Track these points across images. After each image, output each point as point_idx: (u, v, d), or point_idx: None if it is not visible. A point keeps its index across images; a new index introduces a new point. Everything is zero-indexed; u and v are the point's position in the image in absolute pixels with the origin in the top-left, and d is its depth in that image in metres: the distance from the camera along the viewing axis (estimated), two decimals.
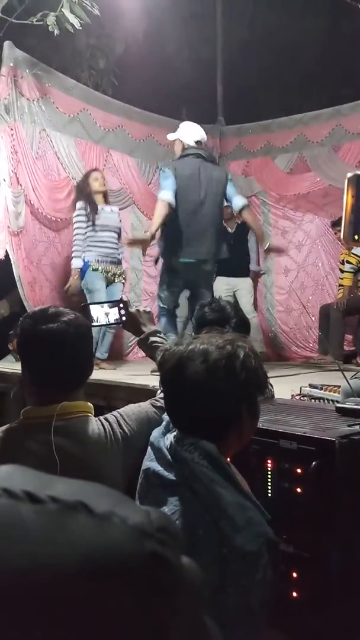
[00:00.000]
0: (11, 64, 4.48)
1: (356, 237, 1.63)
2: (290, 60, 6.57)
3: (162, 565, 0.32)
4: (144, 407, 1.58)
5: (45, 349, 1.37)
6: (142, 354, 4.74)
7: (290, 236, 6.02)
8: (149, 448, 1.24)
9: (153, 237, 3.69)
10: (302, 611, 1.46)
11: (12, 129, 4.54)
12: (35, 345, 1.40)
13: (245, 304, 5.20)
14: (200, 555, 0.96)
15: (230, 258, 4.14)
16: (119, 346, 5.34)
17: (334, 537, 1.44)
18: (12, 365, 3.84)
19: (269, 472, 1.58)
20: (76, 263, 4.37)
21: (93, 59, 6.10)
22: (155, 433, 1.25)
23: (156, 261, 4.17)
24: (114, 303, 1.85)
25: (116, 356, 5.09)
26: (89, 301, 4.31)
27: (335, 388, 2.36)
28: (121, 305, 1.82)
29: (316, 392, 2.45)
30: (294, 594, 1.48)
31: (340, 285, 5.28)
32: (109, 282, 4.43)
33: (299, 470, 1.51)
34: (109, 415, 1.50)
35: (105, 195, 4.59)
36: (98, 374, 3.45)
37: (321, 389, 2.46)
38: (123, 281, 4.62)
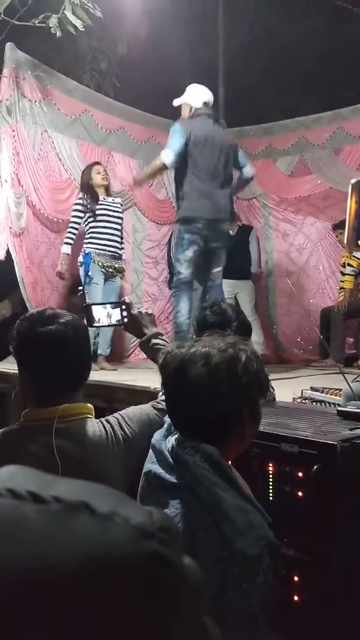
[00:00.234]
0: (13, 66, 4.48)
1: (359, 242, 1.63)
2: (292, 63, 6.58)
3: (163, 565, 0.32)
4: (145, 409, 1.57)
5: (44, 352, 1.37)
6: (143, 355, 4.76)
7: (291, 239, 6.03)
8: (150, 450, 1.24)
9: (140, 183, 3.82)
10: (303, 615, 1.45)
11: (14, 130, 4.55)
12: (33, 348, 1.39)
13: (246, 307, 5.21)
14: (202, 558, 0.96)
15: (231, 260, 4.14)
16: (120, 347, 5.34)
17: (335, 540, 1.44)
18: (13, 366, 3.83)
19: (271, 476, 1.58)
20: (65, 249, 4.45)
21: (95, 60, 6.11)
22: (157, 435, 1.25)
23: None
24: (116, 304, 1.85)
25: (117, 357, 5.08)
26: (85, 286, 4.32)
27: (337, 391, 2.36)
28: (123, 306, 1.82)
29: (317, 395, 2.44)
30: (295, 598, 1.47)
31: (341, 288, 5.28)
32: (107, 278, 4.43)
33: (300, 474, 1.51)
34: (110, 417, 1.50)
35: (107, 188, 4.59)
36: (100, 375, 3.45)
37: (322, 392, 2.45)
38: (121, 277, 4.62)
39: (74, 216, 4.47)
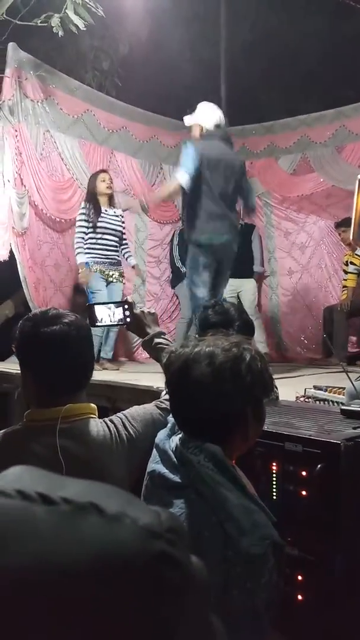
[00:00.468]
0: (15, 66, 4.49)
1: None
2: (294, 62, 6.57)
3: (170, 565, 0.32)
4: (148, 408, 1.57)
5: (48, 352, 1.36)
6: (146, 354, 4.76)
7: (293, 237, 6.02)
8: (154, 450, 1.24)
9: (155, 203, 3.67)
10: (307, 614, 1.45)
11: (16, 130, 4.55)
12: (36, 348, 1.38)
13: (249, 306, 5.21)
14: (206, 558, 0.95)
15: (234, 259, 4.14)
16: (123, 347, 5.34)
17: (339, 540, 1.44)
18: (16, 366, 3.83)
19: (274, 475, 1.58)
20: (80, 259, 4.40)
21: (97, 60, 6.12)
22: (161, 435, 1.25)
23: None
24: (118, 304, 1.85)
25: (119, 357, 5.09)
26: (89, 294, 4.33)
27: (340, 390, 2.36)
28: (126, 306, 1.82)
29: (321, 394, 2.44)
30: (299, 597, 1.47)
31: (344, 286, 5.27)
32: (108, 282, 4.44)
33: (304, 473, 1.51)
34: (113, 417, 1.50)
35: (111, 197, 4.58)
36: (102, 375, 3.46)
37: (326, 390, 2.45)
38: (123, 281, 4.62)
39: (80, 226, 4.45)
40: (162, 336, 1.81)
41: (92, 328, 1.63)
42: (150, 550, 0.32)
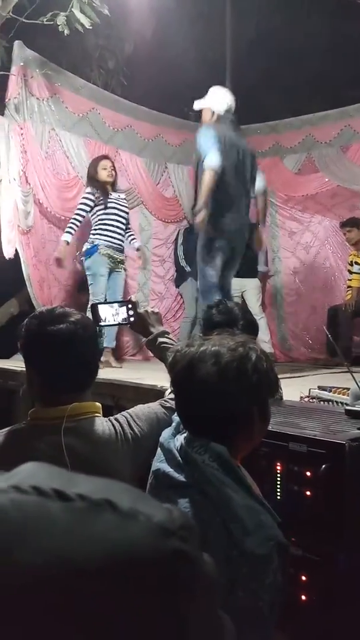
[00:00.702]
0: (21, 64, 4.49)
1: None
2: (299, 61, 6.54)
3: (185, 561, 0.33)
4: (153, 407, 1.57)
5: (53, 350, 1.35)
6: (150, 353, 4.77)
7: (298, 237, 6.01)
8: (159, 449, 1.24)
9: (204, 207, 3.55)
10: (311, 614, 1.45)
11: (21, 129, 4.56)
12: (42, 347, 1.37)
13: (253, 305, 5.20)
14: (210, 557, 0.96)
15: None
16: (125, 346, 5.34)
17: (343, 540, 1.44)
18: (21, 364, 3.84)
19: (279, 475, 1.58)
20: (65, 237, 4.39)
21: (102, 58, 6.11)
22: (165, 434, 1.25)
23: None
24: (122, 303, 1.85)
25: (123, 355, 5.09)
26: (89, 285, 4.33)
27: (345, 390, 2.35)
28: (129, 305, 1.82)
29: (325, 395, 2.44)
30: (303, 597, 1.47)
31: (348, 286, 5.26)
32: (112, 270, 4.44)
33: (308, 474, 1.50)
34: (118, 416, 1.49)
35: (113, 184, 4.56)
36: (107, 374, 3.46)
37: (330, 391, 2.45)
38: (125, 268, 4.63)
39: (80, 208, 4.44)
40: (166, 335, 1.81)
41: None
42: (165, 548, 0.32)
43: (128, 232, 4.66)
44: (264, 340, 5.05)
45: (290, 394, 2.37)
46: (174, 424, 1.26)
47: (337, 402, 2.33)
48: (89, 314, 1.83)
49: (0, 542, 0.31)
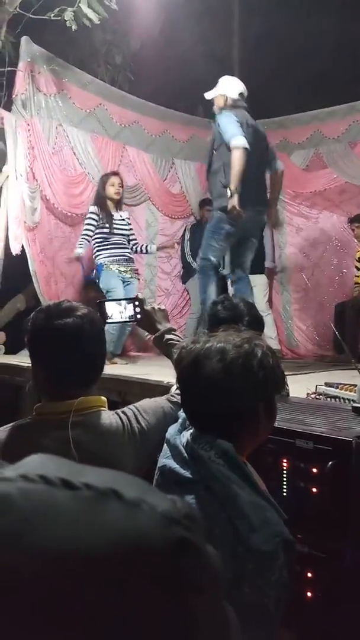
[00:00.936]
0: (28, 59, 4.49)
1: None
2: (306, 57, 6.50)
3: (189, 549, 0.33)
4: (160, 402, 1.57)
5: (60, 344, 1.34)
6: (156, 350, 4.77)
7: (305, 233, 5.98)
8: (165, 445, 1.24)
9: (235, 191, 3.52)
10: (316, 611, 1.45)
11: (28, 124, 4.56)
12: (49, 341, 1.36)
13: (260, 301, 5.18)
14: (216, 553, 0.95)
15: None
16: (135, 341, 5.35)
17: (350, 537, 1.43)
18: (28, 359, 3.85)
19: (285, 472, 1.58)
20: (77, 252, 4.51)
21: (109, 54, 6.11)
22: (171, 430, 1.25)
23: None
24: (129, 300, 1.84)
25: (125, 351, 5.09)
26: (106, 295, 4.35)
27: (351, 387, 2.34)
28: (136, 302, 1.82)
29: (332, 391, 2.43)
30: (309, 594, 1.47)
31: (356, 283, 5.24)
32: (124, 281, 4.45)
33: (315, 470, 1.50)
34: (125, 409, 1.49)
35: (118, 202, 4.57)
36: (113, 369, 3.46)
37: (337, 387, 2.44)
38: (137, 277, 4.64)
39: (87, 228, 4.47)
40: (173, 332, 1.81)
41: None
42: (171, 536, 0.33)
43: (134, 244, 4.68)
44: (271, 336, 5.04)
45: (296, 391, 2.36)
46: (180, 420, 1.26)
47: (344, 399, 2.32)
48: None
49: (8, 529, 0.31)
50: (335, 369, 3.98)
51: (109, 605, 0.30)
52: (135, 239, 4.73)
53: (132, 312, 1.81)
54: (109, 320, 1.82)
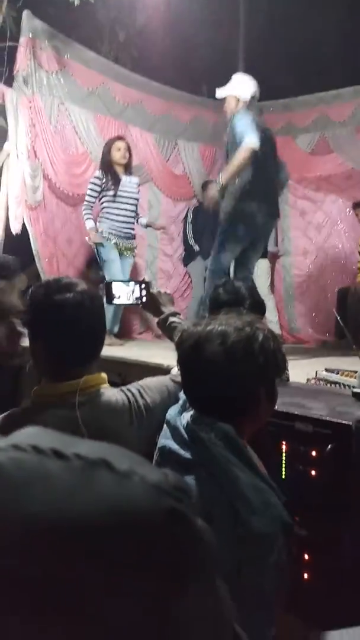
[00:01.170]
0: (30, 35, 4.41)
1: None
2: (313, 37, 6.39)
3: (179, 520, 0.33)
4: (163, 380, 1.55)
5: (61, 320, 1.32)
6: (158, 332, 4.75)
7: (309, 217, 5.93)
8: (165, 426, 1.24)
9: (230, 181, 3.49)
10: (314, 593, 1.46)
11: (30, 102, 4.49)
12: (49, 316, 1.34)
13: (262, 286, 5.16)
14: (215, 536, 0.96)
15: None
16: (131, 324, 5.34)
17: (347, 520, 1.44)
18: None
19: (284, 454, 1.58)
20: (89, 224, 4.32)
21: (113, 31, 6.00)
22: (172, 411, 1.24)
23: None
24: (135, 282, 1.85)
25: (128, 334, 5.09)
26: (103, 271, 4.32)
27: (352, 373, 2.34)
28: (143, 285, 1.82)
29: (332, 377, 2.42)
30: (305, 576, 1.48)
31: (359, 268, 5.21)
32: (120, 255, 4.38)
33: (314, 453, 1.50)
34: (130, 386, 1.48)
35: (126, 166, 4.44)
36: (114, 351, 3.46)
37: (337, 373, 2.43)
38: (134, 255, 4.57)
39: (89, 194, 4.35)
40: (177, 316, 1.81)
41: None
42: (161, 506, 0.33)
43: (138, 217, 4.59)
44: (272, 321, 5.03)
45: (297, 376, 2.36)
46: (180, 402, 1.26)
47: (344, 384, 2.32)
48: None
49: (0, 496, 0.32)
50: (336, 355, 3.97)
51: (99, 573, 0.31)
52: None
53: (138, 294, 1.81)
54: (115, 301, 1.82)
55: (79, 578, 0.30)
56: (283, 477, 1.56)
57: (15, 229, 4.42)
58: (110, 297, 1.78)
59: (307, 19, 6.27)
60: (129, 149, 4.45)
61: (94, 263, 4.88)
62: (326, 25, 6.27)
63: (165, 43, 6.17)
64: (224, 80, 3.86)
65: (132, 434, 1.36)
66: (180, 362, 1.19)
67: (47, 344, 1.37)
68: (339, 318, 4.65)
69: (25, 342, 1.44)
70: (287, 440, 1.58)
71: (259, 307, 2.07)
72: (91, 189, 4.36)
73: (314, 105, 5.61)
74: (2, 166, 4.51)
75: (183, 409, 1.21)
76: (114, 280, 1.89)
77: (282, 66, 6.65)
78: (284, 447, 1.58)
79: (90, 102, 4.98)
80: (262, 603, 0.97)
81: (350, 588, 1.40)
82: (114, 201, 4.33)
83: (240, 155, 3.45)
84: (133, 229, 4.49)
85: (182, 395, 1.26)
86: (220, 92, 3.81)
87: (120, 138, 4.52)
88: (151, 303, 1.82)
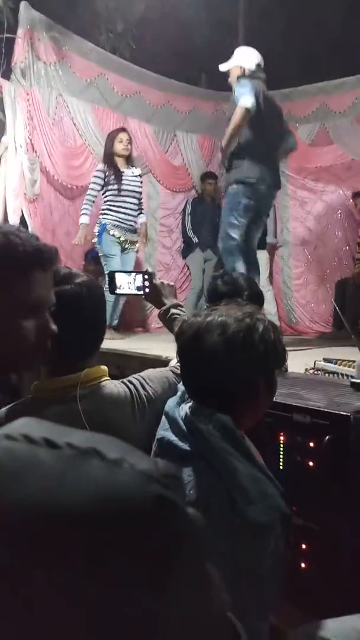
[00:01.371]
0: (28, 26, 4.38)
1: None
2: (314, 26, 6.34)
3: (167, 507, 0.34)
4: (164, 372, 1.55)
5: (60, 312, 1.25)
6: (157, 325, 4.76)
7: (309, 207, 5.91)
8: (164, 417, 1.24)
9: (226, 148, 3.49)
10: (310, 582, 1.48)
11: (28, 94, 4.47)
12: None
13: (261, 277, 5.16)
14: (213, 526, 0.97)
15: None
16: (131, 316, 5.34)
17: (345, 511, 1.45)
18: None
19: (282, 445, 1.59)
20: (83, 219, 4.30)
21: (111, 21, 5.95)
22: (171, 403, 1.25)
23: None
24: (138, 273, 1.84)
25: (127, 327, 5.09)
26: (104, 266, 4.30)
27: (350, 363, 2.35)
28: (146, 276, 1.82)
29: (331, 367, 2.43)
30: (303, 565, 1.50)
31: (358, 259, 5.21)
32: (122, 250, 4.38)
33: (312, 444, 1.51)
34: (131, 378, 1.47)
35: (128, 158, 4.42)
36: (112, 344, 3.47)
37: (336, 363, 2.44)
38: (136, 250, 4.55)
39: (92, 188, 4.33)
40: (179, 308, 1.81)
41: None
42: (148, 493, 0.34)
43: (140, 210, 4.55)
44: (271, 312, 5.03)
45: (295, 366, 2.36)
46: (179, 393, 1.27)
47: (342, 374, 2.33)
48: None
49: None
50: (335, 345, 3.98)
51: (89, 557, 0.31)
52: (142, 203, 4.62)
53: (140, 285, 1.81)
54: (118, 291, 1.82)
55: (69, 564, 0.31)
56: (281, 467, 1.57)
57: (14, 221, 4.41)
58: (113, 287, 1.78)
59: (307, 9, 6.22)
60: (130, 141, 4.42)
61: (92, 255, 4.87)
62: (326, 16, 6.23)
63: (164, 34, 6.11)
64: (223, 72, 3.83)
65: (135, 426, 1.36)
66: (180, 353, 1.19)
67: None
68: (337, 309, 4.65)
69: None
70: (285, 431, 1.58)
71: (257, 298, 2.07)
72: (94, 183, 4.33)
73: (314, 95, 5.59)
74: (0, 159, 4.49)
75: (182, 401, 1.21)
76: (117, 271, 1.88)
77: (282, 56, 6.60)
78: (282, 438, 1.59)
79: (88, 94, 4.96)
80: (258, 590, 0.98)
81: (347, 577, 1.42)
82: (118, 195, 4.31)
83: (235, 116, 3.44)
84: (136, 222, 4.46)
85: (180, 387, 1.27)
86: (223, 66, 3.77)
87: (122, 130, 4.48)
88: (153, 294, 1.82)
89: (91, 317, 1.36)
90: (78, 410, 1.26)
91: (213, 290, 2.11)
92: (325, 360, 2.53)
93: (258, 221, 3.78)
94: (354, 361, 2.24)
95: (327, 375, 2.39)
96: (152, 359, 2.92)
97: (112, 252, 4.28)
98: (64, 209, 4.89)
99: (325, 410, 1.52)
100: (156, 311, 1.92)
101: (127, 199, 4.36)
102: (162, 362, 2.51)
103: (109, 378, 1.42)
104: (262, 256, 5.40)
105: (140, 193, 4.51)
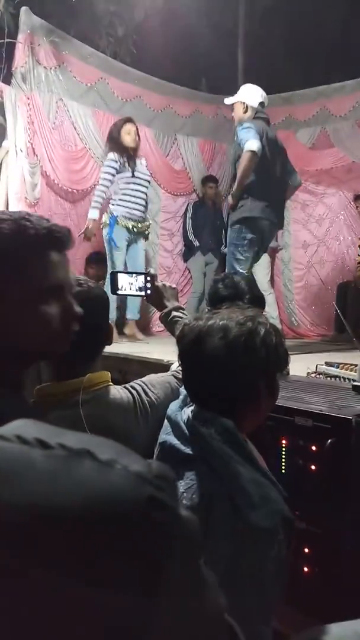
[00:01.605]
0: (28, 31, 4.39)
1: None
2: (314, 30, 6.36)
3: (159, 508, 0.34)
4: (166, 377, 1.55)
5: None
6: (159, 328, 4.74)
7: (310, 210, 5.91)
8: (166, 421, 1.24)
9: (241, 192, 3.57)
10: (312, 586, 1.47)
11: (28, 98, 4.48)
12: None
13: (262, 280, 5.16)
14: (216, 530, 0.97)
15: None
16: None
17: (347, 514, 1.45)
18: None
19: (284, 449, 1.58)
20: (92, 214, 4.23)
21: (112, 26, 5.97)
22: (173, 407, 1.25)
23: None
24: (140, 274, 1.84)
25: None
26: (109, 255, 4.28)
27: (352, 366, 2.34)
28: (148, 277, 1.82)
29: (332, 370, 2.43)
30: (305, 569, 1.49)
31: (359, 262, 5.20)
32: (131, 242, 4.33)
33: (313, 448, 1.51)
34: (133, 384, 1.47)
35: (135, 150, 4.39)
36: (113, 348, 3.46)
37: (337, 367, 2.44)
38: (147, 234, 4.49)
39: (104, 178, 4.25)
40: (181, 310, 1.81)
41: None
42: (140, 494, 0.34)
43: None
44: (272, 316, 5.03)
45: (297, 370, 2.36)
46: (181, 397, 1.26)
47: (344, 378, 2.33)
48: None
49: None
50: (336, 349, 3.98)
51: (80, 558, 0.31)
52: None
53: (142, 287, 1.81)
54: (119, 292, 1.83)
55: (60, 565, 0.31)
56: (283, 471, 1.57)
57: None
58: (115, 287, 1.79)
59: (308, 13, 6.24)
60: (137, 133, 4.41)
61: (94, 259, 4.88)
62: (327, 19, 6.25)
63: (164, 38, 6.14)
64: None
65: (137, 431, 1.36)
66: (182, 356, 1.19)
67: None
68: (339, 312, 4.65)
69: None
70: (287, 434, 1.58)
71: (258, 302, 2.07)
72: (107, 172, 4.26)
73: (315, 99, 5.59)
74: (1, 163, 4.50)
75: (184, 405, 1.21)
76: (119, 271, 1.88)
77: (282, 60, 6.63)
78: (284, 441, 1.59)
79: (88, 98, 4.97)
80: (261, 594, 0.97)
81: (349, 581, 1.41)
82: (131, 182, 4.27)
83: (243, 162, 3.52)
84: (144, 211, 4.43)
85: (182, 391, 1.27)
86: (228, 100, 3.87)
87: (129, 120, 4.44)
88: (155, 296, 1.81)
89: (94, 322, 1.35)
90: (80, 416, 1.26)
91: (214, 294, 2.11)
92: (327, 363, 2.53)
93: (260, 253, 3.91)
94: (355, 365, 2.24)
95: (328, 378, 2.39)
96: (153, 362, 2.92)
97: (119, 244, 4.24)
98: (65, 213, 4.89)
99: (327, 413, 1.52)
100: (157, 314, 1.92)
101: (138, 191, 4.33)
102: (164, 366, 2.51)
103: (111, 383, 1.42)
104: (263, 260, 5.40)
105: (149, 182, 4.50)
